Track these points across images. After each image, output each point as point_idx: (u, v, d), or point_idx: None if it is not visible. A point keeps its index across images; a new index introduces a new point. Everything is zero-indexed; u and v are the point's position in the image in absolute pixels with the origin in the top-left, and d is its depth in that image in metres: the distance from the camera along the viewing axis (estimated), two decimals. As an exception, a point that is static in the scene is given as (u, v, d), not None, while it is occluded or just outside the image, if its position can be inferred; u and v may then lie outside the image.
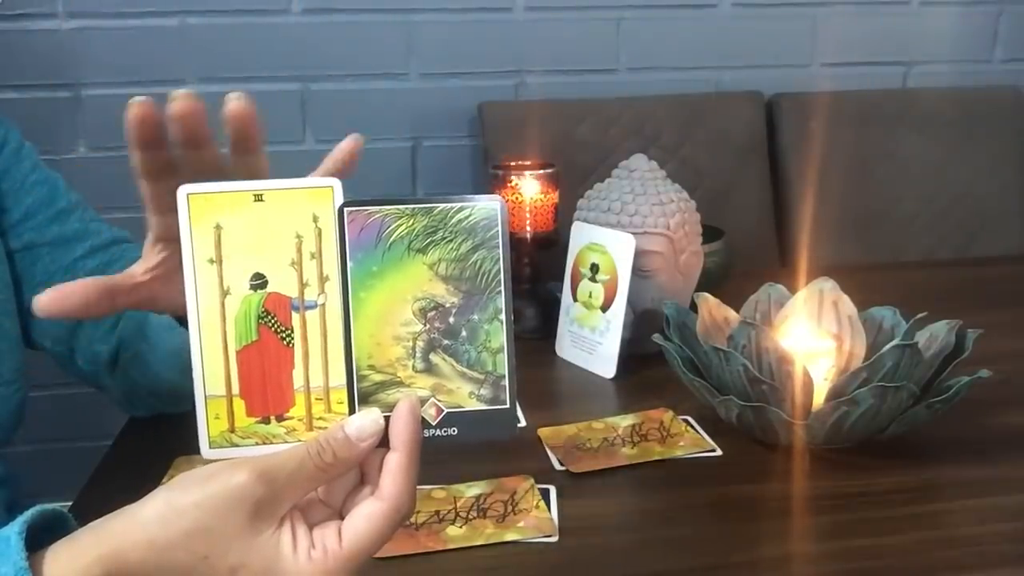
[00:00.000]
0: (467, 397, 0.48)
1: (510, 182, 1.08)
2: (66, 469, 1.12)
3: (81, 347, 0.82)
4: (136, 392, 0.83)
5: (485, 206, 0.48)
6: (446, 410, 0.48)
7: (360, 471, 0.48)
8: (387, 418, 0.46)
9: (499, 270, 0.47)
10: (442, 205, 0.47)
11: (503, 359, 0.48)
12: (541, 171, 1.08)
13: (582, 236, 1.01)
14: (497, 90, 1.66)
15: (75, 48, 1.55)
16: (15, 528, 0.43)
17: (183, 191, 0.48)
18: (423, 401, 0.47)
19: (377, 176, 1.66)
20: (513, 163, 1.12)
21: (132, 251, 0.86)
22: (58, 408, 1.61)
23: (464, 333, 0.48)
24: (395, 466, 0.45)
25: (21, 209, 0.80)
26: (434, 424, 0.48)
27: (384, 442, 0.46)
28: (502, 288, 0.48)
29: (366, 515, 0.45)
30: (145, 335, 0.79)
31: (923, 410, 0.74)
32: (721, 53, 1.73)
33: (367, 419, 0.46)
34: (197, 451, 0.49)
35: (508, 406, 0.48)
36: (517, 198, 1.08)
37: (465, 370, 0.48)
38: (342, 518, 0.46)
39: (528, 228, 1.08)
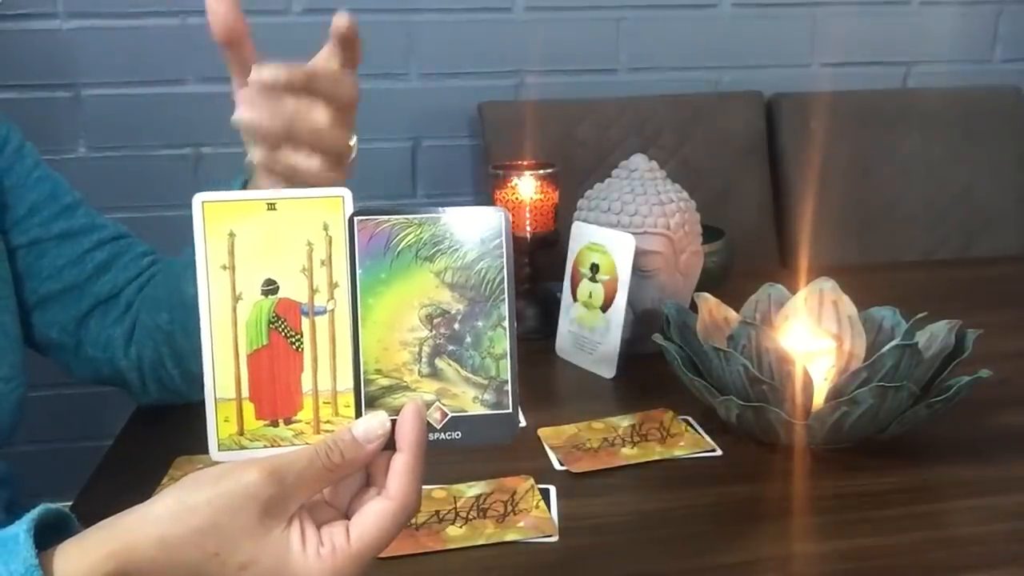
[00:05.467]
0: (471, 401, 0.49)
1: (510, 182, 1.08)
2: (66, 469, 1.12)
3: (91, 335, 0.83)
4: (161, 360, 0.82)
5: (489, 216, 0.49)
6: (450, 414, 0.49)
7: (366, 473, 0.49)
8: (393, 421, 0.47)
9: (503, 278, 0.49)
10: (448, 215, 0.49)
11: (506, 365, 0.49)
12: (541, 171, 1.09)
13: (582, 236, 1.01)
14: (497, 90, 1.66)
15: (75, 48, 1.55)
16: (23, 526, 0.43)
17: (198, 199, 0.50)
18: (428, 405, 0.48)
19: (377, 176, 1.66)
20: (513, 163, 1.12)
21: (137, 245, 0.86)
22: (58, 408, 1.61)
23: (469, 339, 0.49)
24: (402, 466, 0.46)
25: (25, 205, 0.80)
26: (438, 427, 0.49)
27: (390, 445, 0.47)
28: (505, 296, 0.49)
29: (374, 513, 0.46)
30: (171, 303, 0.79)
31: (923, 410, 0.74)
32: (721, 53, 1.74)
33: (374, 422, 0.47)
34: (198, 451, 0.49)
35: (511, 411, 0.49)
36: (517, 198, 1.08)
37: (469, 375, 0.49)
38: (348, 519, 0.46)
39: (528, 228, 1.08)
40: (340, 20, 0.59)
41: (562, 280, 1.04)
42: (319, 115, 0.59)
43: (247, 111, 0.59)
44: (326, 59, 0.61)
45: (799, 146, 1.65)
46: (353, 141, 0.63)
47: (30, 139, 0.84)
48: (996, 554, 0.65)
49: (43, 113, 1.56)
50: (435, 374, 0.49)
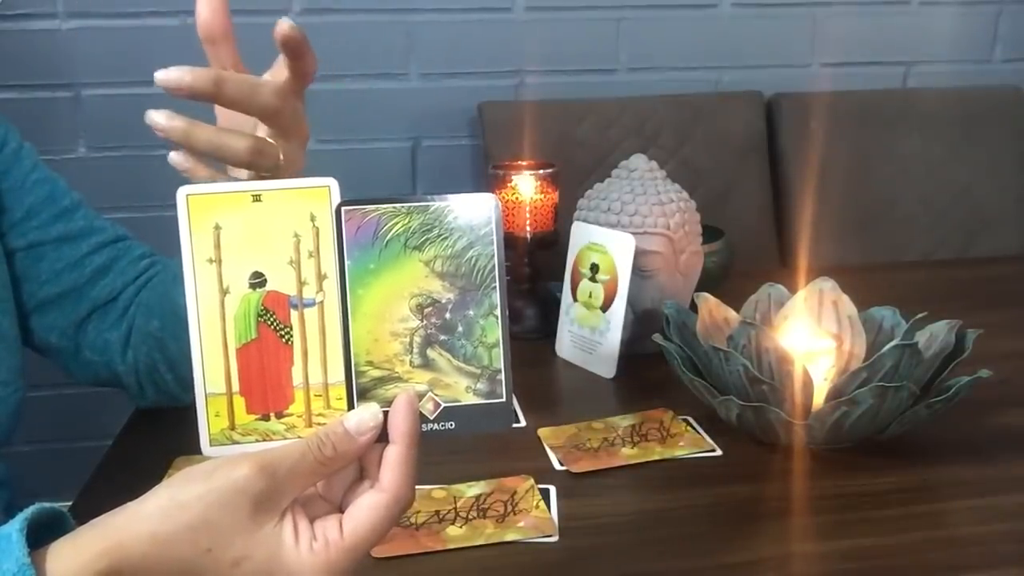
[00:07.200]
0: (464, 391, 0.48)
1: (510, 182, 1.08)
2: (66, 469, 1.12)
3: (89, 339, 0.83)
4: (155, 365, 0.82)
5: (479, 203, 0.49)
6: (443, 404, 0.48)
7: (359, 466, 0.48)
8: (385, 413, 0.47)
9: (493, 266, 0.48)
10: (437, 203, 0.48)
11: (499, 353, 0.49)
12: (541, 171, 1.08)
13: (582, 236, 1.01)
14: (497, 90, 1.66)
15: (75, 48, 1.55)
16: (16, 525, 0.43)
17: (182, 192, 0.49)
18: (421, 396, 0.48)
19: (377, 176, 1.66)
20: (513, 163, 1.12)
21: (135, 248, 0.86)
22: (58, 408, 1.61)
23: (460, 328, 0.48)
24: (394, 458, 0.46)
25: (23, 208, 0.80)
26: (432, 418, 0.48)
27: (383, 437, 0.47)
28: (497, 284, 0.49)
29: (367, 506, 0.46)
30: (163, 310, 0.79)
31: (923, 410, 0.74)
32: (721, 53, 1.74)
33: (366, 414, 0.46)
34: (197, 451, 0.49)
35: (504, 400, 0.49)
36: (517, 198, 1.07)
37: (462, 365, 0.48)
38: (342, 512, 0.46)
39: (528, 228, 1.08)
40: (281, 25, 0.56)
41: (562, 280, 1.04)
42: (234, 141, 0.58)
43: (164, 118, 0.57)
44: (275, 71, 0.60)
45: (799, 146, 1.65)
46: (282, 158, 0.61)
47: (29, 139, 0.84)
48: (996, 554, 0.65)
49: (43, 113, 1.56)
50: (427, 364, 0.48)
